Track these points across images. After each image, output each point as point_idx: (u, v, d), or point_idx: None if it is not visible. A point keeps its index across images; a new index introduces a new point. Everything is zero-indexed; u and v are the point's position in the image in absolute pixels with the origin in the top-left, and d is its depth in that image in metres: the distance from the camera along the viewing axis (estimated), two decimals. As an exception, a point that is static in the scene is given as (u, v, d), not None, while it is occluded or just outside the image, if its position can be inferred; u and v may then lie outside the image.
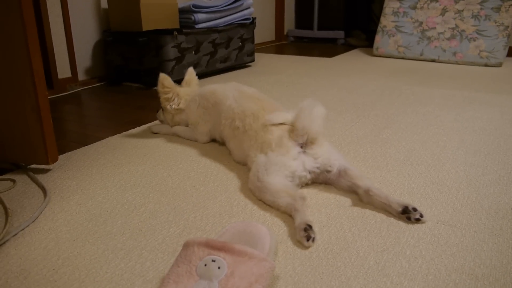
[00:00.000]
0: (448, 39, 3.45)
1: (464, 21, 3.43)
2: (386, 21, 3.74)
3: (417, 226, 1.05)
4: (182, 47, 2.65)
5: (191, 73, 1.80)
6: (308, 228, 0.99)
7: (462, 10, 3.46)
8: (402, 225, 1.05)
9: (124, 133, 1.79)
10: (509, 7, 3.30)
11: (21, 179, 1.34)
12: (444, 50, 3.45)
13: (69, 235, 1.03)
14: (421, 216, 1.06)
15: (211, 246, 0.82)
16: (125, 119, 2.00)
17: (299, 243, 0.98)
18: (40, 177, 1.35)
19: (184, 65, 2.65)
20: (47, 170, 1.41)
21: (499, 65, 3.26)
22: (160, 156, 1.53)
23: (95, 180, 1.34)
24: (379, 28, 3.77)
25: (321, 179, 1.26)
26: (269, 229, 0.95)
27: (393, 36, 3.67)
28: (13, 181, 1.33)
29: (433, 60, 3.49)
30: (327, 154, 1.24)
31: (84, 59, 2.74)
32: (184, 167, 1.43)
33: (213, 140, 1.65)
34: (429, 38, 3.53)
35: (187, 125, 1.71)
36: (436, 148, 1.56)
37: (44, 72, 1.31)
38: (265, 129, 1.29)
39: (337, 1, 4.69)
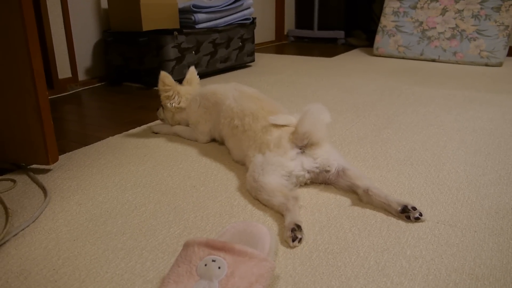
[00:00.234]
0: (448, 39, 3.45)
1: (464, 21, 3.43)
2: (386, 21, 3.74)
3: (417, 226, 1.05)
4: (182, 47, 2.65)
5: (192, 72, 1.80)
6: (295, 228, 0.99)
7: (462, 10, 3.46)
8: (402, 225, 1.05)
9: (125, 133, 1.79)
10: (509, 7, 3.30)
11: (22, 179, 1.34)
12: (445, 50, 3.45)
13: (69, 235, 1.03)
14: (420, 215, 1.06)
15: (212, 246, 0.82)
16: (126, 119, 2.00)
17: (285, 243, 0.98)
18: (40, 177, 1.35)
19: (184, 65, 2.66)
20: (47, 170, 1.41)
21: (499, 64, 3.26)
22: (161, 156, 1.53)
23: (95, 180, 1.34)
24: (379, 28, 3.77)
25: (321, 179, 1.26)
26: (269, 229, 0.95)
27: (394, 36, 3.67)
28: (14, 181, 1.33)
29: (433, 60, 3.49)
30: (327, 154, 1.24)
31: (84, 59, 2.74)
32: (185, 167, 1.43)
33: (213, 140, 1.65)
34: (429, 38, 3.52)
35: (187, 124, 1.72)
36: (437, 148, 1.56)
37: (44, 72, 1.31)
38: (264, 130, 1.29)
39: (337, 1, 4.68)
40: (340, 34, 4.64)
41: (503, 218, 1.08)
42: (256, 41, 3.71)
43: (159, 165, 1.45)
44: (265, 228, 0.94)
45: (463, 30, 3.42)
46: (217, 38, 2.91)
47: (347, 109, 2.09)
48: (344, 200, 1.18)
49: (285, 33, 5.02)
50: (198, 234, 1.03)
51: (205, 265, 0.79)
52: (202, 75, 1.92)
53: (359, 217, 1.09)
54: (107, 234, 1.03)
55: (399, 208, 1.07)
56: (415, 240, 0.99)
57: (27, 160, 1.42)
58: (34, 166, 1.44)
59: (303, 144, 1.22)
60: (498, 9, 3.33)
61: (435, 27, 3.52)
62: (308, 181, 1.25)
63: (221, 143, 1.60)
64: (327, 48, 4.38)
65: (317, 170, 1.23)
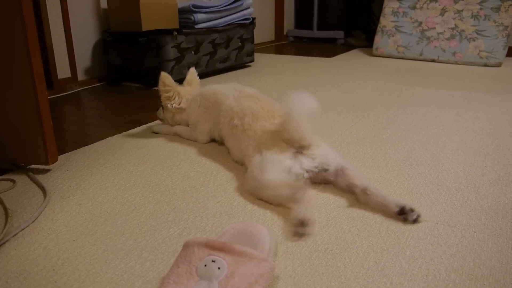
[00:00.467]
0: (447, 39, 3.45)
1: (463, 21, 3.43)
2: (386, 21, 3.74)
3: (416, 226, 1.05)
4: (182, 47, 2.65)
5: (192, 73, 1.80)
6: (299, 224, 0.98)
7: (462, 10, 3.46)
8: (401, 225, 1.05)
9: (124, 133, 1.79)
10: (508, 7, 3.30)
11: (21, 179, 1.34)
12: (444, 50, 3.45)
13: (69, 235, 1.03)
14: (418, 216, 1.05)
15: (211, 246, 0.82)
16: (125, 119, 2.00)
17: (293, 240, 0.98)
18: (40, 177, 1.34)
19: (184, 65, 2.66)
20: (47, 170, 1.41)
21: (498, 65, 3.26)
22: (160, 156, 1.53)
23: (95, 180, 1.34)
24: (378, 28, 3.77)
25: (319, 179, 1.26)
26: (269, 230, 0.95)
27: (393, 36, 3.68)
28: (13, 181, 1.32)
29: (432, 60, 3.49)
30: (325, 154, 1.24)
31: (84, 59, 2.74)
32: (184, 167, 1.43)
33: (213, 140, 1.65)
34: (428, 38, 3.53)
35: (187, 125, 1.72)
36: (436, 148, 1.56)
37: (44, 72, 1.31)
38: (264, 130, 1.30)
39: (337, 1, 4.69)
40: (339, 34, 4.64)
41: (503, 218, 1.08)
42: (255, 41, 3.71)
43: (159, 165, 1.45)
44: (265, 228, 0.94)
45: (463, 31, 3.42)
46: (217, 38, 2.91)
47: (347, 109, 2.09)
48: (344, 201, 1.18)
49: (285, 33, 5.02)
50: (197, 234, 1.03)
51: (205, 265, 0.79)
52: (201, 75, 1.92)
53: (359, 218, 1.09)
54: (107, 235, 1.03)
55: (397, 210, 1.07)
56: (415, 241, 0.99)
57: (26, 160, 1.42)
58: (33, 166, 1.44)
59: (296, 147, 1.22)
60: (497, 9, 3.33)
61: (434, 28, 3.53)
62: (308, 181, 1.25)
63: (221, 143, 1.60)
64: (326, 48, 4.38)
65: (316, 170, 1.23)
